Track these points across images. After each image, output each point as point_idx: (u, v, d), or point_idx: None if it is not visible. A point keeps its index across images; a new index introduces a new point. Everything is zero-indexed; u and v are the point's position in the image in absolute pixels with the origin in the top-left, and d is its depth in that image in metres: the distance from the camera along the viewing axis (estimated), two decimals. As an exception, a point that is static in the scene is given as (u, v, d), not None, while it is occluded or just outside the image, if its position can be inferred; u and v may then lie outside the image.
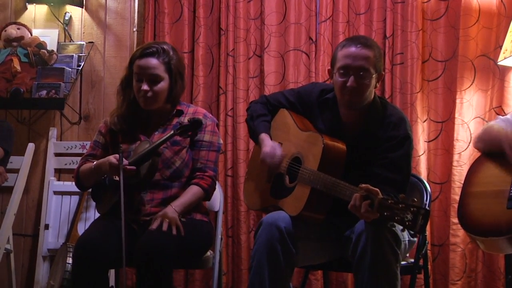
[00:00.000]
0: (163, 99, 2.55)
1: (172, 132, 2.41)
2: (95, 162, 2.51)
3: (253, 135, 2.55)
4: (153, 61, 2.50)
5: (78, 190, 3.36)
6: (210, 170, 2.54)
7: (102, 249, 2.31)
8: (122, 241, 2.20)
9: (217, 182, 2.62)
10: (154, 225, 2.35)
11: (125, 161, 2.38)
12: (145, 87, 2.49)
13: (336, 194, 2.14)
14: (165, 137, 2.42)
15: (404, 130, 2.29)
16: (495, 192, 2.11)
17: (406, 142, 2.28)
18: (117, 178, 2.43)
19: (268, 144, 2.41)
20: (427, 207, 2.50)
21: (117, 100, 2.63)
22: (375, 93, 2.35)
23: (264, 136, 2.46)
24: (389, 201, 1.93)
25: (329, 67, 2.37)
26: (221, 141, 2.67)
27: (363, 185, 2.02)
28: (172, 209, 2.41)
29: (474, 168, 2.34)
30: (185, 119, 2.58)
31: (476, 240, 2.19)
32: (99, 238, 2.35)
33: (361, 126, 2.34)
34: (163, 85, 2.52)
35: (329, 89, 2.42)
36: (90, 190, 2.67)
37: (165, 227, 2.33)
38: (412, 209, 1.88)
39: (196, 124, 2.39)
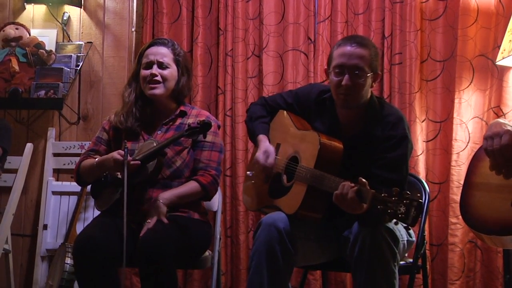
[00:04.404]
0: (169, 88, 2.57)
1: (181, 132, 2.41)
2: (97, 158, 2.51)
3: (252, 136, 2.56)
4: (163, 49, 2.58)
5: (77, 190, 3.40)
6: (212, 170, 2.54)
7: (101, 244, 2.31)
8: (124, 238, 2.22)
9: (219, 182, 2.60)
10: (143, 232, 2.34)
11: (130, 158, 2.38)
12: (153, 71, 2.54)
13: (331, 191, 2.13)
14: (173, 137, 2.43)
15: (402, 130, 2.28)
16: (499, 186, 2.07)
17: (404, 142, 2.27)
18: (120, 176, 2.43)
19: (263, 147, 2.41)
20: (423, 203, 2.49)
21: (123, 99, 2.64)
22: (372, 92, 2.35)
23: (262, 138, 2.46)
24: (382, 194, 1.92)
25: (325, 67, 2.37)
26: (223, 144, 2.67)
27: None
28: (160, 203, 2.41)
29: (478, 156, 2.22)
30: (188, 121, 2.59)
31: (478, 235, 2.17)
32: (98, 234, 2.36)
33: (359, 126, 2.34)
34: (171, 71, 2.57)
35: (327, 90, 2.42)
36: (89, 187, 2.67)
37: (150, 225, 2.34)
38: (405, 201, 1.88)
39: (205, 127, 2.37)
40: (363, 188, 1.98)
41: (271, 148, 2.40)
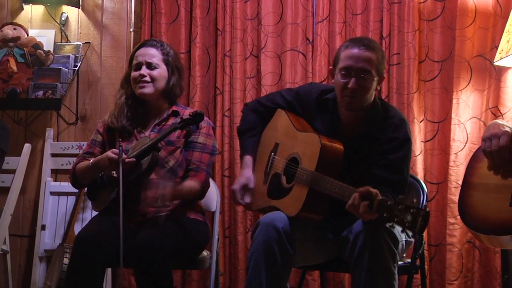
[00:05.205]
0: (159, 88, 2.58)
1: (174, 126, 2.43)
2: (92, 160, 2.52)
3: (240, 152, 2.56)
4: (151, 50, 2.60)
5: (75, 191, 3.39)
6: (203, 172, 2.54)
7: (101, 243, 2.33)
8: (120, 238, 2.21)
9: (210, 182, 2.62)
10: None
11: (124, 155, 2.39)
12: (142, 71, 2.56)
13: (333, 195, 2.13)
14: (166, 131, 2.44)
15: (405, 132, 2.29)
16: (498, 186, 2.08)
17: (406, 144, 2.28)
18: (115, 175, 2.43)
19: (244, 176, 2.42)
20: (423, 207, 2.49)
21: (116, 99, 2.66)
22: (375, 94, 2.34)
23: (246, 161, 2.47)
24: (389, 202, 1.92)
25: (331, 67, 2.37)
26: (216, 145, 2.67)
27: (362, 188, 2.01)
28: (171, 189, 2.42)
29: (477, 156, 2.23)
30: (182, 120, 2.59)
31: (476, 236, 2.17)
32: (98, 233, 2.37)
33: (361, 127, 2.34)
34: (160, 71, 2.59)
35: (328, 90, 2.41)
36: (86, 189, 2.67)
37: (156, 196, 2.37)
38: (412, 210, 1.87)
39: (197, 117, 2.40)
40: (371, 197, 1.97)
41: (251, 178, 2.40)
